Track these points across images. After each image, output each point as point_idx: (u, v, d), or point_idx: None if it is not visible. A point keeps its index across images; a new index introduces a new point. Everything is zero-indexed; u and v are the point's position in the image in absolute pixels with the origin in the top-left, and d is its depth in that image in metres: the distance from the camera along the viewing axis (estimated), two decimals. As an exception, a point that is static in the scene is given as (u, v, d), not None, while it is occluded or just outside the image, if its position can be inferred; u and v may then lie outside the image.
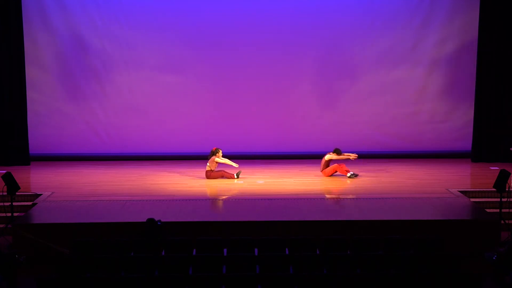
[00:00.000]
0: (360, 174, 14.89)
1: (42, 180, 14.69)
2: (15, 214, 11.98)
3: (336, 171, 14.74)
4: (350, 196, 13.21)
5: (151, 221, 10.31)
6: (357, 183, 14.25)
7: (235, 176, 14.52)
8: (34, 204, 12.44)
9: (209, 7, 16.44)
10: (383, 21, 16.55)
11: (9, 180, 11.80)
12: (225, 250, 9.81)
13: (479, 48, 16.17)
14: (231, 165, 14.56)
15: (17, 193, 11.89)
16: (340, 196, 13.54)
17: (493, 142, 16.30)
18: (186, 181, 14.44)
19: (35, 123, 16.48)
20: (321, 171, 14.84)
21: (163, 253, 9.75)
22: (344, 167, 14.69)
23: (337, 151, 14.78)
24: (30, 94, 16.31)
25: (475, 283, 8.55)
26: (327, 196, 13.65)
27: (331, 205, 12.43)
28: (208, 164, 14.52)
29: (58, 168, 15.89)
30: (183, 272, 9.04)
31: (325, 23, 16.55)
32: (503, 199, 11.88)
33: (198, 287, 8.54)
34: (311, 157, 16.32)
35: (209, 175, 14.51)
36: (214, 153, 14.49)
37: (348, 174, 14.58)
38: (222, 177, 14.52)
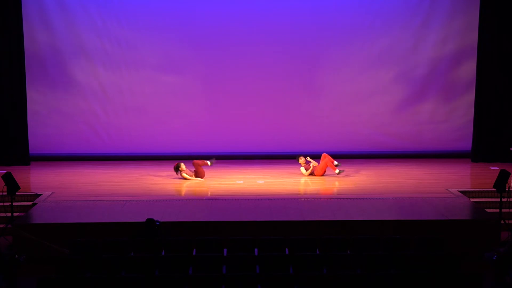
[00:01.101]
0: (360, 174, 14.93)
1: (42, 180, 14.70)
2: (15, 214, 11.97)
3: (326, 167, 14.74)
4: (350, 196, 13.19)
5: (150, 221, 10.30)
6: (357, 183, 14.25)
7: (209, 164, 14.59)
8: (34, 204, 12.43)
9: (209, 8, 16.44)
10: (383, 21, 16.55)
11: (9, 180, 11.80)
12: (225, 250, 9.81)
13: (479, 48, 16.17)
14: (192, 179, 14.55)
15: (17, 193, 11.89)
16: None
17: (493, 142, 16.30)
18: (186, 181, 14.43)
19: (35, 123, 16.48)
20: (316, 175, 14.82)
21: (163, 253, 9.74)
22: (331, 161, 14.72)
23: (300, 159, 14.91)
24: (30, 94, 16.31)
25: (475, 283, 8.55)
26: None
27: (331, 205, 12.43)
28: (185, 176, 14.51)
29: (58, 168, 15.89)
30: (183, 272, 9.04)
31: (325, 23, 16.55)
32: (503, 199, 11.88)
33: (198, 287, 8.54)
34: (311, 157, 16.30)
35: (197, 174, 14.50)
36: (177, 168, 14.48)
37: (337, 171, 14.59)
38: (202, 166, 14.59)
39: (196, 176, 14.51)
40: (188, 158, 16.37)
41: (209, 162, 14.60)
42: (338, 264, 9.18)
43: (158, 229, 10.25)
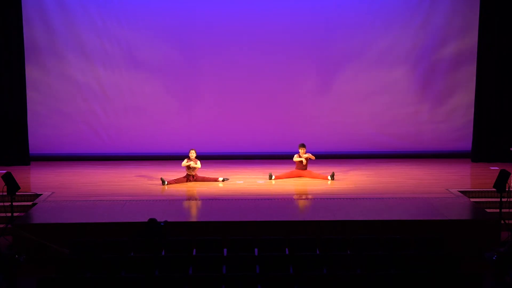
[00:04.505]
0: (360, 174, 15.00)
1: (42, 180, 14.70)
2: (15, 214, 11.98)
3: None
4: (349, 196, 13.19)
5: (153, 221, 10.29)
6: (357, 183, 14.25)
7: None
8: (34, 204, 12.44)
9: (210, 8, 16.43)
10: (383, 21, 16.55)
11: (9, 180, 11.80)
12: (225, 250, 9.82)
13: (479, 48, 16.17)
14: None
15: (17, 193, 11.89)
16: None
17: (493, 142, 16.30)
18: (186, 181, 14.43)
19: (35, 123, 16.48)
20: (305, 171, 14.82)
21: (163, 253, 9.75)
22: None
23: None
24: (30, 94, 16.31)
25: (475, 283, 8.55)
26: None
27: (330, 205, 12.43)
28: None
29: (58, 168, 15.88)
30: (183, 272, 9.04)
31: (325, 23, 16.55)
32: (503, 199, 11.88)
33: (198, 287, 8.54)
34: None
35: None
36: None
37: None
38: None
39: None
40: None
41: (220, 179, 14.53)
42: (338, 264, 9.18)
43: (163, 228, 10.23)
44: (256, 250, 9.81)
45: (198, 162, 14.24)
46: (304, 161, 14.66)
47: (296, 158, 14.70)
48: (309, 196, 13.57)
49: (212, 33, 16.49)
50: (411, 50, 16.65)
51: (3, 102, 15.94)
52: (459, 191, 13.26)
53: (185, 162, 14.17)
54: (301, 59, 16.66)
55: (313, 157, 14.62)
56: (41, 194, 13.07)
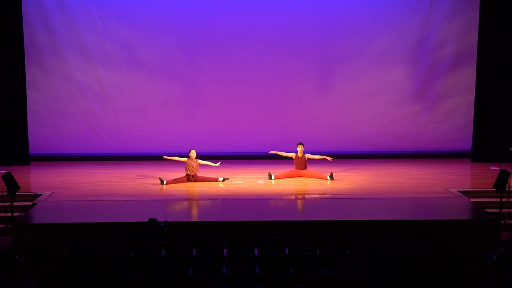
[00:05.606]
0: (360, 174, 15.02)
1: (42, 180, 14.70)
2: (15, 214, 11.98)
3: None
4: (349, 196, 13.19)
5: (153, 221, 10.28)
6: (357, 183, 14.25)
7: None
8: (34, 204, 12.44)
9: (209, 8, 16.44)
10: (383, 21, 16.56)
11: (9, 180, 11.80)
12: (225, 250, 9.82)
13: (479, 48, 16.17)
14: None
15: (17, 193, 11.89)
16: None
17: (493, 142, 16.30)
18: (186, 181, 14.43)
19: (35, 123, 16.48)
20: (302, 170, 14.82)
21: (163, 253, 9.75)
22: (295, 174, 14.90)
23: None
24: (30, 94, 16.31)
25: (475, 283, 8.55)
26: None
27: (330, 205, 12.43)
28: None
29: (58, 168, 15.89)
30: (183, 272, 9.04)
31: (325, 23, 16.56)
32: (503, 199, 11.88)
33: (198, 287, 8.54)
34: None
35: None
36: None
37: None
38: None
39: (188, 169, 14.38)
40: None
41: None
42: (338, 264, 9.17)
43: (163, 228, 10.22)
44: (256, 250, 9.81)
45: (198, 161, 14.34)
46: (300, 154, 14.65)
47: (288, 154, 14.77)
48: (309, 196, 13.57)
49: (212, 33, 16.50)
50: (411, 50, 16.65)
51: (3, 102, 15.94)
52: (459, 191, 13.25)
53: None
54: (301, 59, 16.66)
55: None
56: (41, 194, 13.07)
